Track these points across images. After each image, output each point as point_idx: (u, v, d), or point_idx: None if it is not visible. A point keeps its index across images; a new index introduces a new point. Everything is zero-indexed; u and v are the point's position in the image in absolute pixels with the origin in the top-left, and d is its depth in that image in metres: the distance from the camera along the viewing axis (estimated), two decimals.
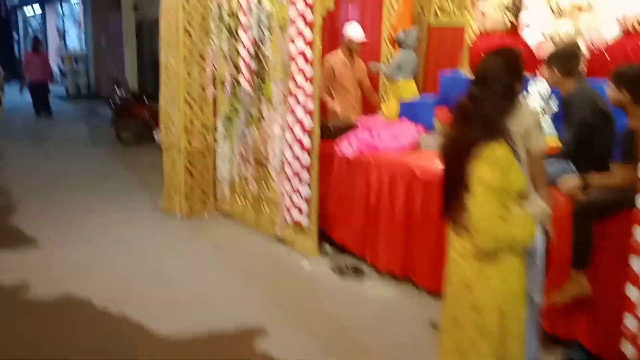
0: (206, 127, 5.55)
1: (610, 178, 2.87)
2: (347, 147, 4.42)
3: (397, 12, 5.69)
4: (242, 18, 4.91)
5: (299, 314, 3.67)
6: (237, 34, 5.00)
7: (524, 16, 4.48)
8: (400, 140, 4.35)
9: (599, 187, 2.85)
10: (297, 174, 4.56)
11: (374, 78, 5.69)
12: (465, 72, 4.82)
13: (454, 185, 2.02)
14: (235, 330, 3.49)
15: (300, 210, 4.60)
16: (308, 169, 4.49)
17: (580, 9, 4.05)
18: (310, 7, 4.25)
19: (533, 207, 2.02)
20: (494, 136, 1.94)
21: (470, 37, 5.07)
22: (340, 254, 4.58)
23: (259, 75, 4.86)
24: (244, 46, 4.93)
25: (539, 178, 2.58)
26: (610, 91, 2.88)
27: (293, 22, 4.37)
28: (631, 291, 2.52)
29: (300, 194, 4.57)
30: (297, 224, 4.65)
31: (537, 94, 3.93)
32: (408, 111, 4.80)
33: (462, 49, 5.21)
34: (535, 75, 4.13)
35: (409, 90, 5.17)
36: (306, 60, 4.33)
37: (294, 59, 4.41)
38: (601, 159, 3.00)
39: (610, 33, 3.89)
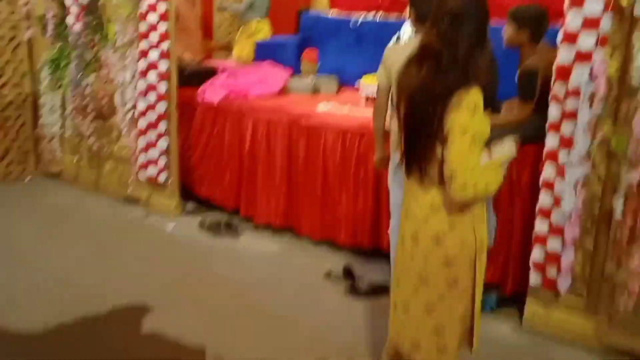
0: (22, 74, 4.61)
1: (507, 116, 3.00)
2: (211, 93, 4.01)
3: None
4: None
5: (181, 283, 3.28)
6: None
7: None
8: (268, 84, 4.10)
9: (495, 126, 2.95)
10: (152, 126, 4.03)
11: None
12: (325, 11, 4.68)
13: (424, 135, 1.85)
14: (114, 311, 2.98)
15: (157, 166, 4.10)
16: (165, 119, 4.00)
17: None
18: None
19: (499, 152, 1.96)
20: (471, 81, 1.81)
21: None
22: (207, 211, 4.22)
23: (94, 13, 4.13)
24: None
25: None
26: (508, 30, 2.98)
27: None
28: (539, 225, 2.69)
29: (156, 147, 4.06)
30: (153, 181, 4.15)
31: (406, 37, 3.96)
32: (266, 53, 4.54)
33: None
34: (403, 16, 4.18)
35: (264, 31, 4.89)
36: None
37: None
38: (490, 100, 3.11)
39: None
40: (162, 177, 4.11)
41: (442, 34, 1.83)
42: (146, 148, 4.09)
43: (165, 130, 4.01)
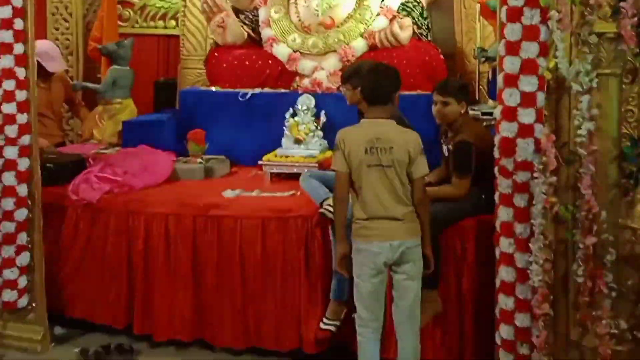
0: None
1: (446, 189, 3.23)
2: (87, 190, 3.69)
3: (98, 21, 5.25)
4: None
5: None
6: None
7: (267, 31, 4.63)
8: (154, 172, 3.92)
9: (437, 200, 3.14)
10: (8, 239, 3.54)
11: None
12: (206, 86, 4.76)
13: None
14: None
15: (15, 289, 3.58)
16: (26, 230, 3.56)
17: (327, 26, 4.44)
18: (21, 14, 3.42)
19: None
20: None
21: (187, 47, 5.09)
22: (85, 336, 3.77)
23: None
24: None
25: (423, 204, 2.76)
26: (453, 104, 3.27)
27: None
28: (504, 301, 2.90)
29: (14, 265, 3.57)
30: (10, 308, 3.61)
31: (305, 110, 4.13)
32: (136, 134, 4.38)
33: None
34: (297, 89, 4.41)
35: (129, 111, 4.75)
36: (18, 82, 3.46)
37: None
38: None
39: (359, 48, 4.40)
40: (22, 302, 3.60)
41: None
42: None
43: (27, 242, 3.55)
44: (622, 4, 2.67)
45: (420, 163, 2.76)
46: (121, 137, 4.57)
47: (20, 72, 3.50)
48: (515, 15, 2.85)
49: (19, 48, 3.48)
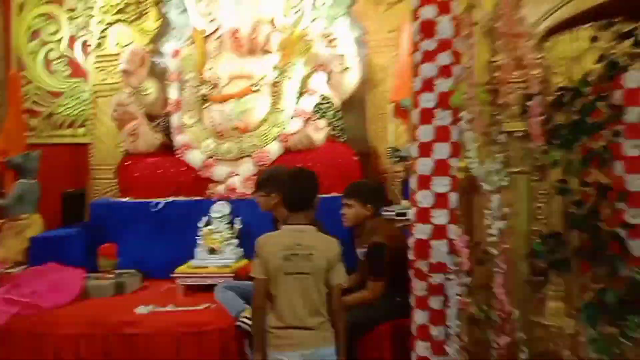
0: None
1: (359, 295, 3.30)
2: None
3: (3, 133, 5.19)
4: None
5: None
6: None
7: (180, 138, 4.74)
8: (63, 290, 3.84)
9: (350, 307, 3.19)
10: None
11: None
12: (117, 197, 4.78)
13: None
14: None
15: None
16: None
17: (241, 130, 4.60)
18: None
19: None
20: None
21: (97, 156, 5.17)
22: None
23: None
24: None
25: (338, 312, 2.82)
26: (355, 207, 3.40)
27: None
28: None
29: None
30: None
31: (219, 217, 4.20)
32: (44, 251, 4.32)
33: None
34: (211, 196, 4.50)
35: (36, 226, 4.67)
36: None
37: None
38: None
39: (274, 152, 4.56)
40: None
41: None
42: None
43: None
44: (529, 103, 2.89)
45: (338, 270, 2.82)
46: (27, 254, 4.46)
47: None
48: (427, 116, 2.94)
49: None
